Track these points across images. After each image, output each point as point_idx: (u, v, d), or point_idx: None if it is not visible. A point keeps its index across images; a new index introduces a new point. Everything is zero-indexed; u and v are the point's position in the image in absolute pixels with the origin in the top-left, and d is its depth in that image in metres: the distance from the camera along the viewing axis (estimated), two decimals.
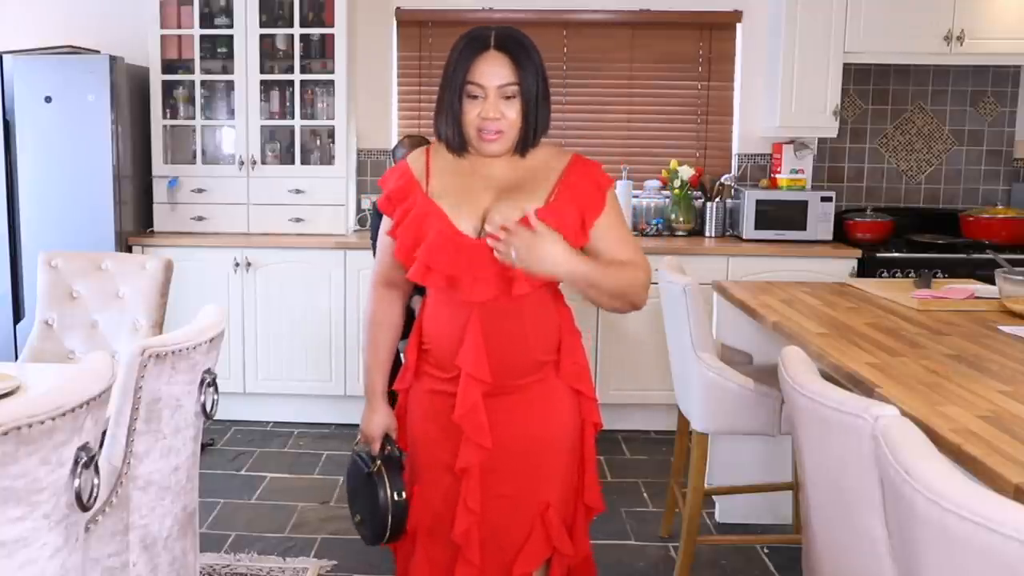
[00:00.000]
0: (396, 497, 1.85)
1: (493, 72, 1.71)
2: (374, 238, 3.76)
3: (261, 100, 4.32)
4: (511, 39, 1.74)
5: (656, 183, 4.63)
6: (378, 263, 1.92)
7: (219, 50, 4.35)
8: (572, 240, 1.74)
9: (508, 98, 1.73)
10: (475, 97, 1.73)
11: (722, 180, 4.59)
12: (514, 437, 1.83)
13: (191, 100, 4.39)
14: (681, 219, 4.58)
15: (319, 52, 4.37)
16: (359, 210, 4.62)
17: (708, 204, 4.54)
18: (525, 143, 1.79)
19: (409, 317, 1.99)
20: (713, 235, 4.54)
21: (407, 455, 1.93)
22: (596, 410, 1.95)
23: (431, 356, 1.85)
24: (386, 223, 1.86)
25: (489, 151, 1.77)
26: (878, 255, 4.17)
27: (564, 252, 1.68)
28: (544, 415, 1.85)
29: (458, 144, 1.79)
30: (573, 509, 1.92)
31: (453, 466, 1.81)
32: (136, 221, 4.31)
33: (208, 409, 1.85)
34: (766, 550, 3.06)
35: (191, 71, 4.33)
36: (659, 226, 4.60)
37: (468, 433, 1.78)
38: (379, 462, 1.90)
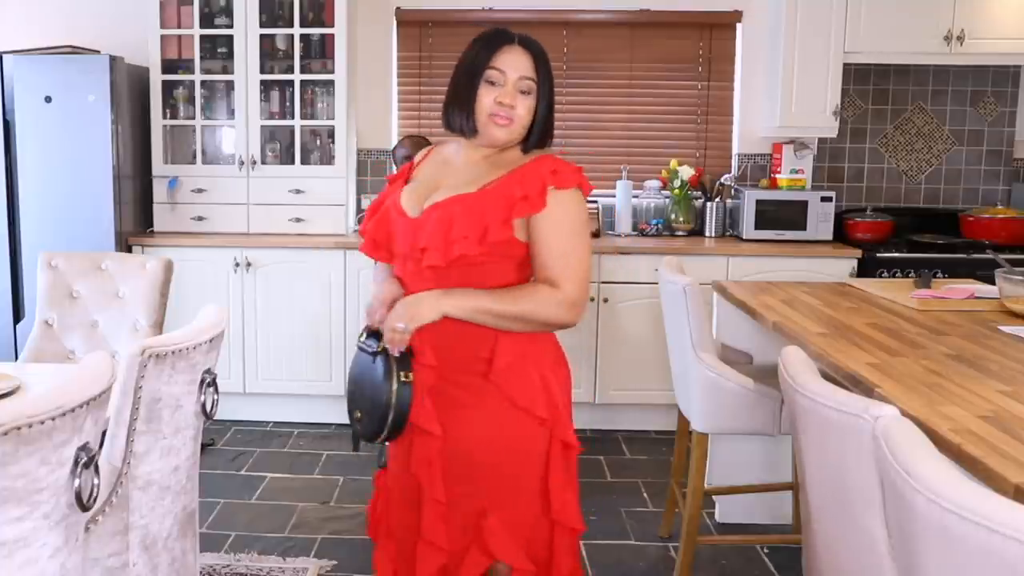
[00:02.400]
0: (403, 378, 1.74)
1: (515, 62, 1.79)
2: None
3: (261, 100, 4.32)
4: (534, 42, 1.83)
5: (656, 183, 4.63)
6: None
7: (219, 50, 4.35)
8: (491, 230, 1.72)
9: (524, 93, 1.79)
10: (493, 83, 1.78)
11: (722, 180, 4.59)
12: (456, 439, 1.80)
13: (191, 100, 4.39)
14: (681, 219, 4.58)
15: (319, 52, 4.37)
16: (359, 210, 4.62)
17: (708, 204, 4.54)
18: (528, 145, 1.83)
19: None
20: (713, 235, 4.54)
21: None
22: (565, 428, 1.84)
23: None
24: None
25: (497, 136, 1.80)
26: (878, 255, 4.17)
27: (431, 299, 1.73)
28: (483, 427, 1.80)
29: (468, 129, 1.82)
30: (547, 527, 1.85)
31: (407, 462, 1.85)
32: (136, 221, 4.31)
33: (208, 409, 1.85)
34: (766, 550, 3.06)
35: (191, 71, 4.33)
36: (659, 226, 4.60)
37: (414, 421, 1.78)
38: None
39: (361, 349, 1.83)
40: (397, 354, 1.75)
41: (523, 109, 1.79)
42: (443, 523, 1.80)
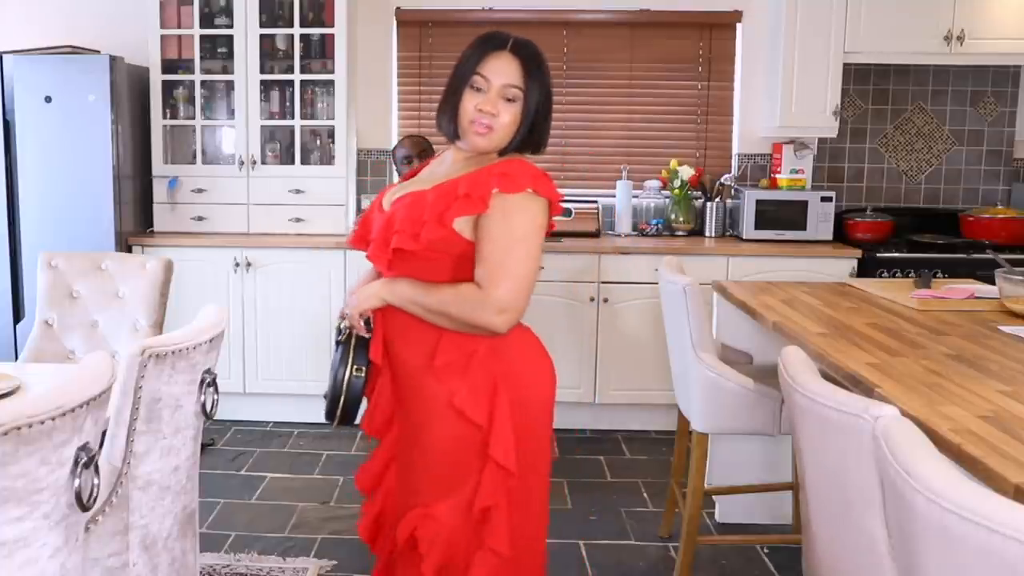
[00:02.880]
0: (356, 372, 1.83)
1: (501, 69, 1.77)
2: None
3: (261, 100, 4.32)
4: (528, 48, 1.80)
5: (656, 183, 4.63)
6: None
7: (219, 50, 4.35)
8: (427, 227, 1.74)
9: (509, 100, 1.77)
10: (478, 90, 1.77)
11: (722, 180, 4.59)
12: (402, 425, 1.89)
13: (191, 100, 4.39)
14: (681, 219, 4.58)
15: (319, 52, 4.37)
16: (359, 210, 4.62)
17: (708, 204, 4.54)
18: (514, 148, 1.82)
19: None
20: (713, 235, 4.54)
21: None
22: (501, 447, 1.74)
23: None
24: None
25: (477, 144, 1.80)
26: (878, 255, 4.17)
27: (375, 287, 1.84)
28: (419, 416, 1.83)
29: (452, 133, 1.85)
30: (474, 538, 1.80)
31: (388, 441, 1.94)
32: (136, 221, 4.31)
33: (208, 409, 1.85)
34: (766, 550, 3.06)
35: (191, 71, 4.33)
36: (659, 226, 4.60)
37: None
38: (350, 331, 1.88)
39: (345, 340, 1.92)
40: (353, 341, 1.86)
41: (507, 117, 1.76)
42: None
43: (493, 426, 1.75)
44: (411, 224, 1.75)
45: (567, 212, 4.43)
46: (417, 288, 1.78)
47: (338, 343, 1.89)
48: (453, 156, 1.90)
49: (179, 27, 4.33)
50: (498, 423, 1.75)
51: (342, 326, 1.91)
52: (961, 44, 4.23)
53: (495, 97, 1.76)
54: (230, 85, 4.34)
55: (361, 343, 1.86)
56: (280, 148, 4.44)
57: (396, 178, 4.60)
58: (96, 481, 1.35)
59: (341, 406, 1.85)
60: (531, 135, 1.81)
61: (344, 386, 1.83)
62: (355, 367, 1.83)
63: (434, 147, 3.92)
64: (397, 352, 1.85)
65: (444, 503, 1.79)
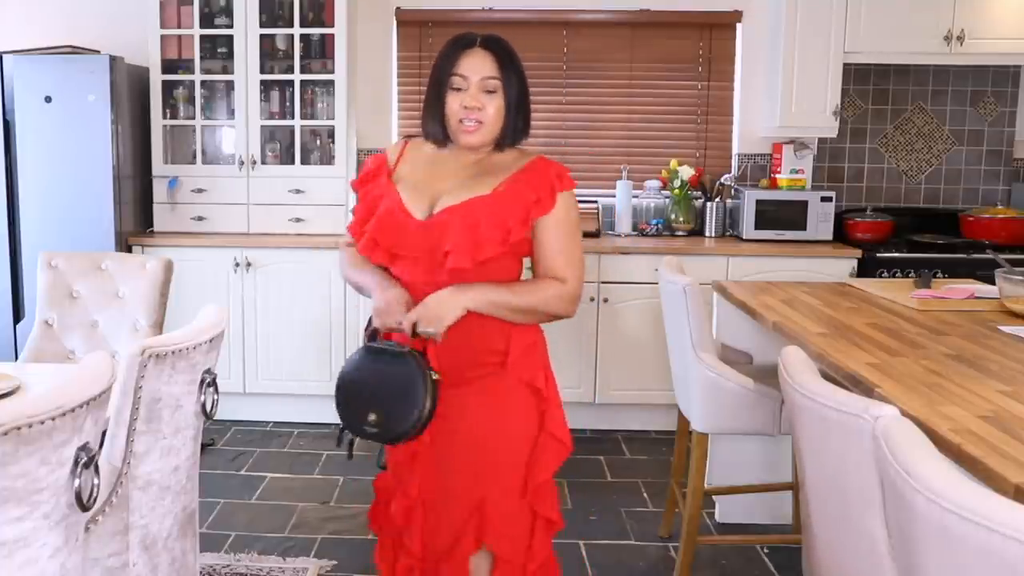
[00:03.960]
0: (435, 376, 1.78)
1: (476, 65, 1.83)
2: None
3: (261, 100, 4.32)
4: (497, 41, 1.87)
5: (656, 183, 4.63)
6: (349, 228, 1.98)
7: (219, 50, 4.35)
8: (512, 230, 1.80)
9: (489, 92, 1.84)
10: (458, 89, 1.84)
11: (722, 180, 4.59)
12: (457, 431, 1.86)
13: (191, 100, 4.39)
14: (681, 219, 4.58)
15: (319, 52, 4.37)
16: None
17: (708, 204, 4.54)
18: (502, 141, 1.88)
19: None
20: (713, 235, 4.54)
21: None
22: (560, 423, 1.91)
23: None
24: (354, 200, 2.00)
25: (468, 141, 1.86)
26: (878, 255, 4.17)
27: (451, 296, 1.77)
28: (490, 410, 1.87)
29: (442, 137, 1.89)
30: (530, 516, 1.90)
31: (402, 457, 1.90)
32: (136, 221, 4.31)
33: (208, 409, 1.85)
34: (766, 550, 3.06)
35: (191, 71, 4.33)
36: (659, 226, 4.60)
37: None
38: (415, 349, 1.78)
39: (381, 350, 1.81)
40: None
41: (492, 108, 1.83)
42: (418, 522, 1.91)
43: (549, 405, 1.90)
44: (496, 230, 1.79)
45: None
46: (499, 290, 1.81)
47: (401, 355, 1.78)
48: (457, 157, 1.90)
49: (179, 27, 4.33)
50: (553, 402, 1.91)
51: (381, 341, 1.82)
52: (961, 44, 4.23)
53: (476, 92, 1.82)
54: (230, 85, 4.34)
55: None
56: (280, 148, 4.44)
57: None
58: (96, 481, 1.35)
59: (424, 420, 1.77)
60: (519, 122, 1.89)
61: (429, 398, 1.76)
62: (432, 372, 1.78)
63: None
64: (457, 357, 1.83)
65: (510, 487, 1.88)
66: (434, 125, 1.88)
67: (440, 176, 1.88)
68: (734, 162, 4.73)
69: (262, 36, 4.29)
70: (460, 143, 1.87)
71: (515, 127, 1.88)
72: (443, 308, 1.76)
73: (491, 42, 1.86)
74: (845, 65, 4.32)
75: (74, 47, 4.17)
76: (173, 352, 1.70)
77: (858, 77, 4.60)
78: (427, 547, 1.90)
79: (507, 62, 1.84)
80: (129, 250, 4.16)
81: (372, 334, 1.86)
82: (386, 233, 1.84)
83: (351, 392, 1.85)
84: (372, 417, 1.81)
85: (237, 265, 4.20)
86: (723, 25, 4.65)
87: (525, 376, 1.87)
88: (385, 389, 1.79)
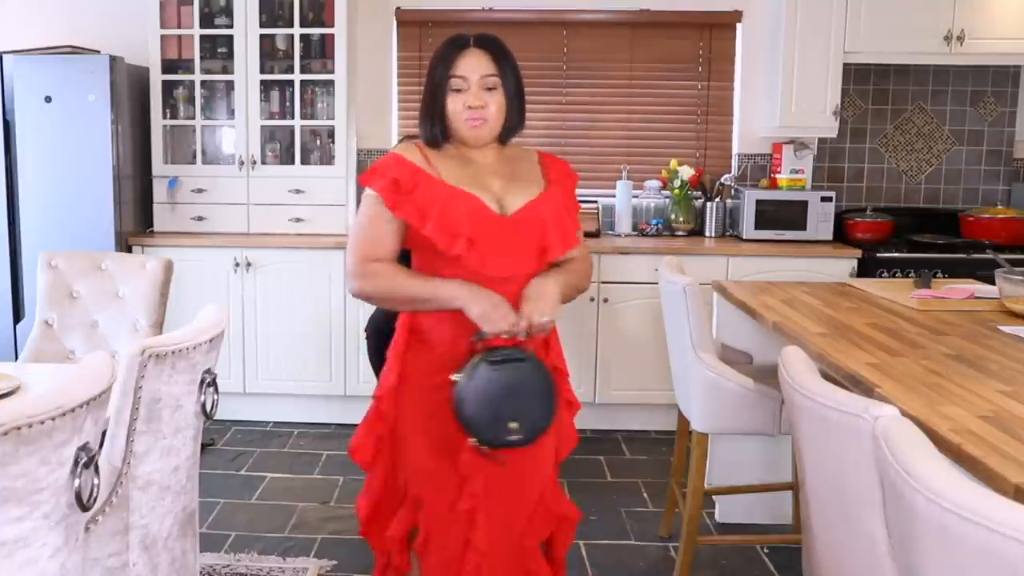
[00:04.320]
0: (551, 368, 1.89)
1: (475, 64, 1.87)
2: None
3: (261, 100, 4.32)
4: (490, 39, 1.91)
5: (656, 183, 4.63)
6: (363, 245, 1.87)
7: (219, 50, 4.35)
8: (568, 225, 1.94)
9: (489, 89, 1.88)
10: (458, 90, 1.87)
11: (722, 180, 4.59)
12: None
13: (191, 100, 4.39)
14: (681, 219, 4.58)
15: (319, 52, 4.37)
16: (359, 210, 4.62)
17: (708, 204, 4.54)
18: (506, 134, 1.94)
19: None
20: (713, 235, 4.54)
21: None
22: (569, 387, 2.05)
23: (431, 349, 1.88)
24: (376, 208, 1.85)
25: (475, 138, 1.90)
26: (878, 255, 4.17)
27: (548, 284, 1.87)
28: None
29: (442, 139, 1.91)
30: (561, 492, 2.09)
31: (465, 461, 1.87)
32: (136, 221, 4.31)
33: (208, 409, 1.85)
34: (766, 550, 3.06)
35: (191, 71, 4.33)
36: (659, 226, 4.61)
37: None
38: (526, 348, 1.84)
39: (503, 360, 1.80)
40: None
41: (494, 105, 1.88)
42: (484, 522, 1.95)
43: (565, 379, 2.02)
44: (568, 223, 1.95)
45: None
46: (565, 273, 1.94)
47: (527, 360, 1.81)
48: (482, 155, 1.92)
49: (179, 27, 4.33)
50: (566, 375, 2.02)
51: (501, 351, 1.81)
52: (961, 44, 4.23)
53: (478, 90, 1.86)
54: (230, 85, 4.34)
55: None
56: (280, 148, 4.44)
57: None
58: (96, 481, 1.35)
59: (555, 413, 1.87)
60: (518, 115, 1.94)
61: (555, 391, 1.86)
62: (547, 365, 1.88)
63: None
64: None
65: (548, 474, 2.00)
66: (434, 128, 1.90)
67: (481, 175, 1.90)
68: (734, 162, 4.73)
69: (262, 36, 4.29)
70: (466, 139, 1.90)
71: (515, 120, 1.94)
72: (551, 295, 1.86)
73: (484, 41, 1.89)
74: (845, 65, 4.32)
75: (74, 47, 4.17)
76: (173, 352, 1.70)
77: (858, 77, 4.61)
78: (495, 542, 1.91)
79: (502, 58, 1.89)
80: (129, 250, 4.17)
81: (482, 345, 1.82)
82: (480, 232, 1.83)
83: (491, 410, 1.80)
84: (514, 425, 1.82)
85: (237, 265, 4.20)
86: (723, 25, 4.65)
87: (557, 360, 1.98)
88: (522, 394, 1.81)
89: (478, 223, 1.83)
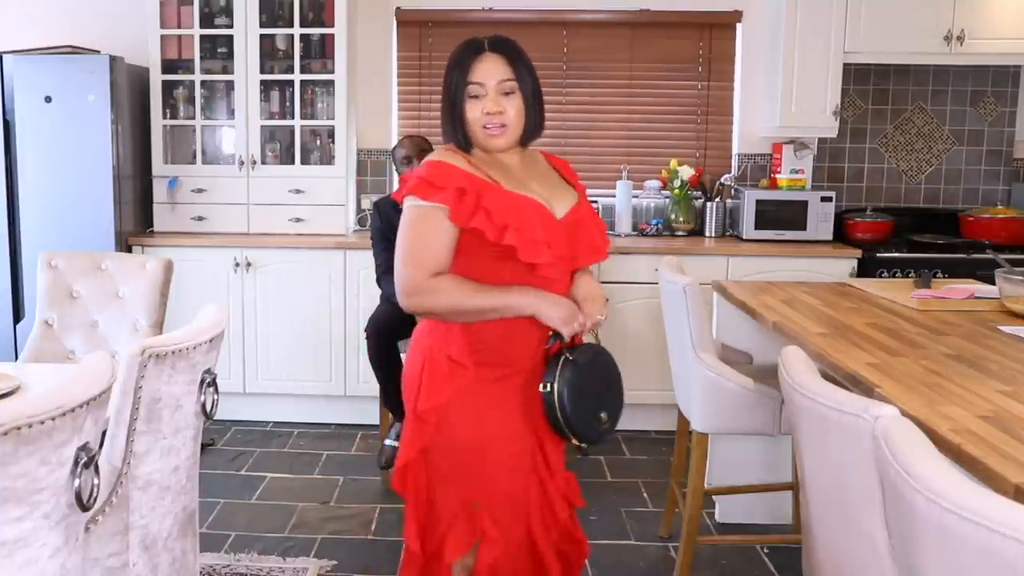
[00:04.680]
0: None
1: (491, 70, 1.84)
2: (374, 237, 3.75)
3: (261, 100, 4.32)
4: (504, 42, 1.89)
5: (656, 183, 4.63)
6: (426, 259, 1.80)
7: (219, 50, 4.35)
8: (604, 230, 2.02)
9: (507, 94, 1.85)
10: (476, 97, 1.84)
11: (722, 180, 4.59)
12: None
13: (191, 100, 4.39)
14: (681, 219, 4.58)
15: (319, 52, 4.37)
16: (359, 210, 4.63)
17: (708, 204, 4.54)
18: (527, 137, 1.92)
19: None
20: (713, 235, 4.54)
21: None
22: None
23: (487, 355, 1.87)
24: (436, 219, 1.78)
25: (495, 145, 1.87)
26: (878, 255, 4.17)
27: (598, 284, 2.01)
28: None
29: (465, 145, 1.89)
30: None
31: (534, 456, 1.91)
32: (136, 221, 4.31)
33: (208, 409, 1.85)
34: (766, 550, 3.06)
35: (191, 71, 4.33)
36: (659, 226, 4.60)
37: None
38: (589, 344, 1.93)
39: (583, 357, 1.87)
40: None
41: (512, 110, 1.85)
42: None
43: None
44: (603, 228, 2.03)
45: None
46: (591, 272, 2.02)
47: (602, 352, 1.93)
48: (509, 160, 1.91)
49: (179, 27, 4.33)
50: None
51: (577, 348, 1.88)
52: (961, 44, 4.23)
53: (495, 96, 1.84)
54: (230, 85, 4.34)
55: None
56: (280, 148, 4.44)
57: (396, 178, 4.61)
58: (96, 481, 1.35)
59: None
60: (537, 117, 1.92)
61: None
62: None
63: (434, 146, 3.92)
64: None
65: None
66: (456, 135, 1.88)
67: (523, 179, 1.89)
68: (734, 162, 4.73)
69: (262, 36, 4.29)
70: (488, 148, 1.88)
71: (535, 123, 1.91)
72: (601, 294, 1.96)
73: (499, 44, 1.87)
74: (845, 65, 4.32)
75: (74, 47, 4.17)
76: (173, 352, 1.69)
77: (858, 77, 4.60)
78: (561, 532, 1.98)
79: (518, 61, 1.86)
80: (129, 250, 4.17)
81: (560, 344, 1.86)
82: (554, 239, 1.85)
83: (587, 407, 1.86)
84: (604, 415, 1.90)
85: (237, 265, 4.20)
86: (723, 25, 4.65)
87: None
88: (603, 387, 1.91)
89: (547, 228, 1.84)
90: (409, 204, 1.83)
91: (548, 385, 1.81)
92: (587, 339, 1.94)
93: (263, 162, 4.36)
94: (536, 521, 1.92)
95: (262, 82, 4.32)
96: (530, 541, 1.92)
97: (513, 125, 1.86)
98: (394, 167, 4.24)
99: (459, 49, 1.88)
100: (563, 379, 1.82)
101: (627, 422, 4.27)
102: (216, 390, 1.87)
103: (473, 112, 1.84)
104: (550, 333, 1.86)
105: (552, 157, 2.07)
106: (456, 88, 1.85)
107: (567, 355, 1.84)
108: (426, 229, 1.81)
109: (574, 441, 1.86)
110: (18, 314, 4.12)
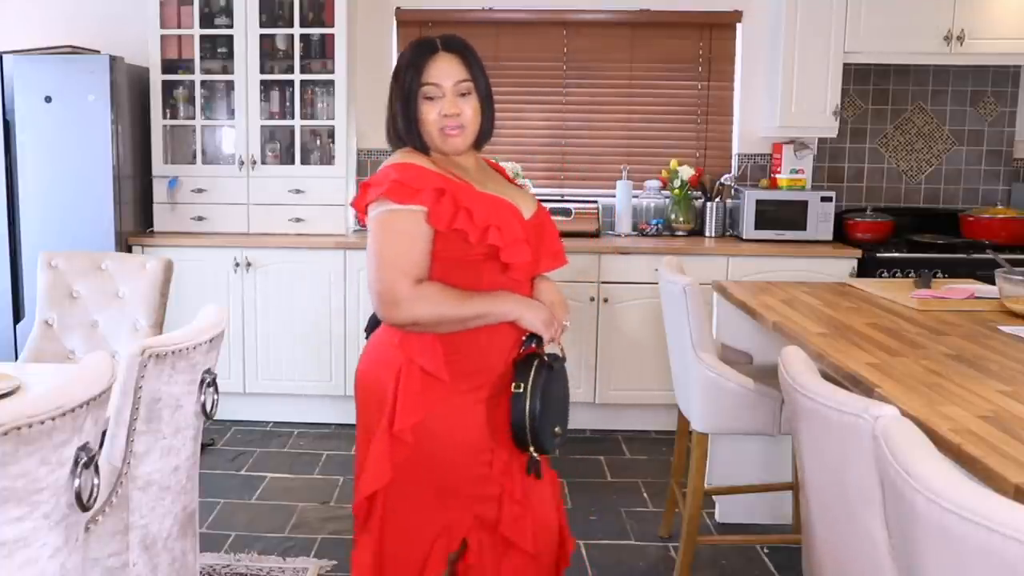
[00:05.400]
0: None
1: (447, 70, 1.80)
2: None
3: (261, 100, 4.32)
4: (458, 41, 1.85)
5: (656, 183, 4.63)
6: (408, 266, 1.75)
7: (219, 50, 4.35)
8: (557, 229, 1.97)
9: (463, 95, 1.81)
10: (431, 98, 1.80)
11: (722, 180, 4.59)
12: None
13: (191, 100, 4.39)
14: (681, 219, 4.58)
15: (319, 52, 4.37)
16: None
17: (708, 204, 4.54)
18: (482, 139, 1.89)
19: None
20: (713, 235, 4.54)
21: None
22: None
23: (463, 364, 1.80)
24: (415, 224, 1.73)
25: (453, 147, 1.83)
26: (878, 255, 4.17)
27: (558, 289, 1.95)
28: None
29: (422, 147, 1.84)
30: None
31: (506, 471, 1.83)
32: (136, 221, 4.31)
33: (208, 409, 1.85)
34: (766, 550, 3.06)
35: (191, 71, 4.33)
36: (659, 226, 4.60)
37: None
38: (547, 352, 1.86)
39: (553, 365, 1.81)
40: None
41: (469, 110, 1.82)
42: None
43: None
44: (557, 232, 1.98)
45: (567, 212, 4.43)
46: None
47: (555, 366, 1.82)
48: (464, 159, 1.88)
49: (179, 27, 4.33)
50: None
51: (549, 355, 1.83)
52: (961, 44, 4.23)
53: (452, 98, 1.79)
54: (230, 85, 4.34)
55: None
56: (280, 148, 4.44)
57: None
58: (96, 481, 1.35)
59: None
60: (490, 118, 1.89)
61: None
62: None
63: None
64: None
65: None
66: (412, 137, 1.83)
67: (484, 181, 1.87)
68: (734, 162, 4.73)
69: (262, 36, 4.29)
70: (445, 150, 1.83)
71: (489, 124, 1.88)
72: (564, 299, 1.92)
73: (453, 44, 1.82)
74: (845, 65, 4.32)
75: (74, 47, 4.17)
76: (173, 352, 1.69)
77: (858, 77, 4.60)
78: (538, 545, 1.88)
79: (472, 61, 1.83)
80: (129, 250, 4.17)
81: (534, 350, 1.82)
82: (530, 239, 1.83)
83: (549, 414, 1.79)
84: (557, 429, 1.83)
85: (237, 265, 4.20)
86: (723, 25, 4.65)
87: None
88: (563, 398, 1.86)
89: (523, 228, 1.81)
90: (382, 208, 1.75)
91: (521, 386, 1.74)
92: (552, 348, 1.87)
93: (263, 162, 4.36)
94: (509, 521, 1.84)
95: (262, 82, 4.32)
96: (507, 543, 1.86)
97: (470, 126, 1.82)
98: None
99: (411, 49, 1.83)
100: (536, 382, 1.76)
101: (627, 422, 4.29)
102: (216, 390, 1.87)
103: (430, 114, 1.79)
104: (523, 338, 1.82)
105: (491, 162, 2.04)
106: (410, 89, 1.79)
107: (543, 357, 1.79)
108: (405, 234, 1.74)
109: (531, 449, 1.78)
110: (18, 314, 4.12)
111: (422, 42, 1.84)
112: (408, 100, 1.81)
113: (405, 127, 1.83)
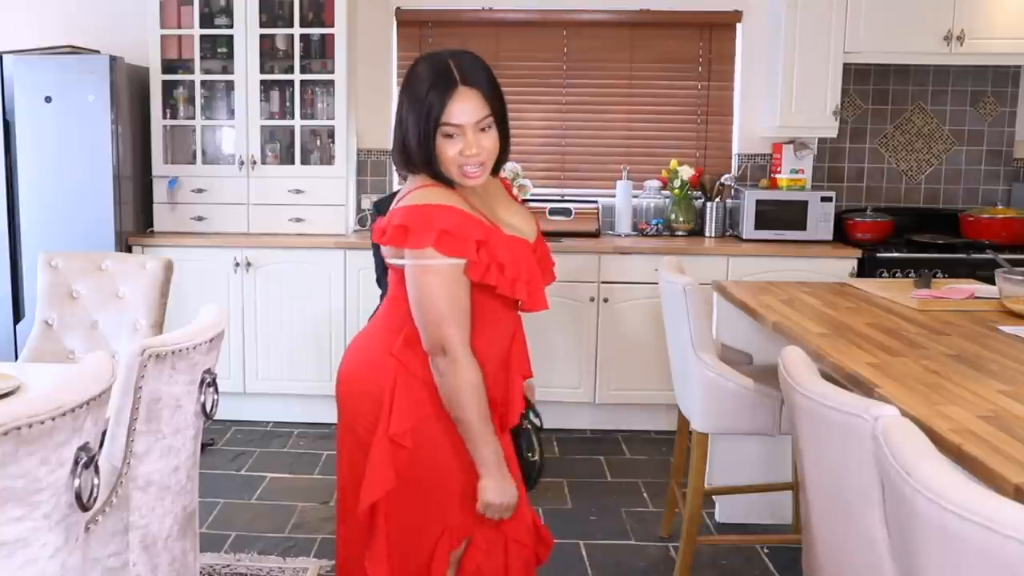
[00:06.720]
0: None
1: (469, 110, 1.71)
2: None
3: (261, 100, 4.32)
4: (475, 70, 1.73)
5: (656, 183, 4.63)
6: (462, 324, 1.73)
7: (219, 50, 4.35)
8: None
9: (484, 130, 1.74)
10: (451, 136, 1.71)
11: (722, 180, 4.59)
12: None
13: (191, 100, 4.39)
14: (681, 219, 4.58)
15: (319, 52, 4.37)
16: (359, 210, 4.62)
17: (708, 204, 4.54)
18: (499, 164, 1.84)
19: None
20: (713, 235, 4.54)
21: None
22: None
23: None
24: (459, 276, 1.70)
25: (473, 184, 1.77)
26: (878, 255, 4.17)
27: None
28: None
29: (435, 175, 1.77)
30: None
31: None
32: (136, 221, 4.31)
33: (208, 409, 1.85)
34: (766, 550, 3.06)
35: (191, 71, 4.33)
36: (659, 226, 4.60)
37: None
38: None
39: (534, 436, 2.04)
40: None
41: (489, 144, 1.75)
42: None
43: None
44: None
45: (567, 212, 4.44)
46: None
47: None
48: (482, 187, 1.85)
49: (179, 27, 4.33)
50: None
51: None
52: (961, 44, 4.23)
53: (473, 138, 1.72)
54: (230, 85, 4.34)
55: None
56: (280, 148, 4.44)
57: (396, 178, 4.61)
58: (96, 481, 1.35)
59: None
60: (507, 142, 1.84)
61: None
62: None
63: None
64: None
65: None
66: (432, 169, 1.75)
67: (501, 211, 1.87)
68: (734, 162, 4.73)
69: (262, 36, 4.29)
70: (465, 186, 1.77)
71: (505, 149, 1.82)
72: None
73: (470, 75, 1.71)
74: (845, 65, 4.32)
75: (74, 47, 4.17)
76: (173, 352, 1.69)
77: (858, 77, 4.60)
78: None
79: (491, 91, 1.74)
80: (129, 250, 4.17)
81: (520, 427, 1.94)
82: (540, 276, 1.86)
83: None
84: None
85: (237, 265, 4.20)
86: (723, 25, 4.65)
87: None
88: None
89: (536, 270, 1.83)
90: (432, 261, 1.69)
91: (535, 454, 1.94)
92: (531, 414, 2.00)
93: (263, 162, 4.36)
94: (511, 519, 1.87)
95: (262, 82, 4.32)
96: (506, 542, 1.88)
97: (490, 160, 1.77)
98: (394, 167, 4.25)
99: (429, 84, 1.70)
100: (540, 448, 1.96)
101: (627, 422, 4.29)
102: (216, 390, 1.87)
103: (449, 151, 1.71)
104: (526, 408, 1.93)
105: (502, 180, 2.03)
106: (429, 122, 1.70)
107: (535, 422, 1.97)
108: (457, 289, 1.71)
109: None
110: (18, 314, 4.12)
111: (439, 73, 1.71)
112: (426, 137, 1.72)
113: (423, 161, 1.74)
